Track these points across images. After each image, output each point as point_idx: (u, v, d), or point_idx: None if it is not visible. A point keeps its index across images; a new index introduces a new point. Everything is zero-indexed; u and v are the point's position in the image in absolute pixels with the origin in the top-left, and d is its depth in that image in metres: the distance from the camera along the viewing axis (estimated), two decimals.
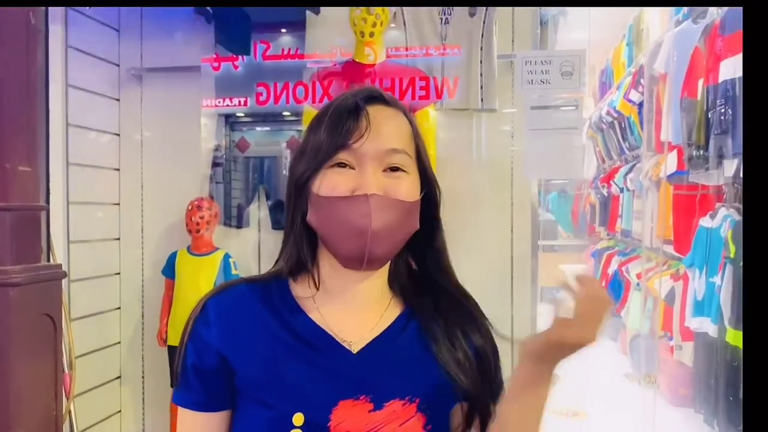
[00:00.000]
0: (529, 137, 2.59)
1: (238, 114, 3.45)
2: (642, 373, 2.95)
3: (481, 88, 2.82)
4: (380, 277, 0.97)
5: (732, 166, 2.82)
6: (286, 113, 3.40)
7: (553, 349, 0.83)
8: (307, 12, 3.19)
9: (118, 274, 3.51)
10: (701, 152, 3.03)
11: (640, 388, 3.17)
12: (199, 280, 3.09)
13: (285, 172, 3.39)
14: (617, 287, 5.27)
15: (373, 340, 0.93)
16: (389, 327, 0.95)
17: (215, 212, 3.21)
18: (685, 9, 3.50)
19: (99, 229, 3.40)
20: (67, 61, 3.12)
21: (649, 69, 3.83)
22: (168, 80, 3.46)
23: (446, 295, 0.98)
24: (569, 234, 7.45)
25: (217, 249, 3.18)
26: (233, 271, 3.12)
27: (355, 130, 0.89)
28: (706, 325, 3.08)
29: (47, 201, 2.70)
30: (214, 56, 3.35)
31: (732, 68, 2.72)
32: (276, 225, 3.39)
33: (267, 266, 1.10)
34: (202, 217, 3.13)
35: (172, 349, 3.14)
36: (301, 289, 0.96)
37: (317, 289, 0.94)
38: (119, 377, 3.52)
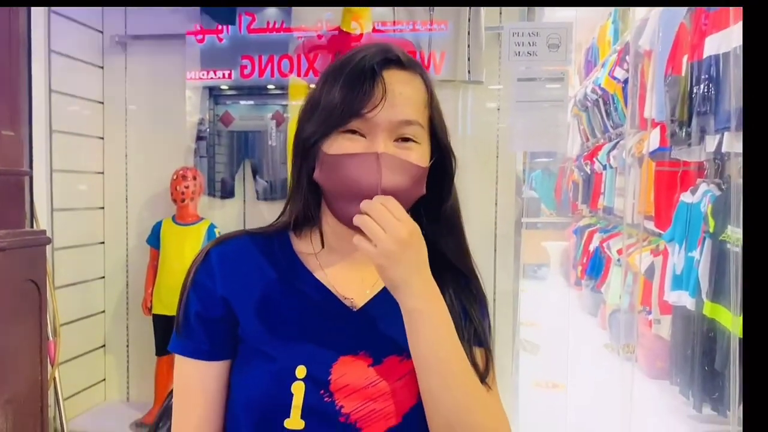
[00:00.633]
0: (515, 110, 2.60)
1: (222, 87, 3.42)
2: (621, 344, 3.00)
3: (468, 59, 2.82)
4: None
5: (714, 141, 2.86)
6: (270, 86, 3.38)
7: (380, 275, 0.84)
8: None
9: (103, 243, 3.50)
10: (684, 128, 3.06)
11: (618, 360, 3.23)
12: (184, 249, 3.09)
13: (271, 143, 3.38)
14: (598, 264, 5.34)
15: (374, 297, 0.94)
16: None
17: (200, 182, 3.20)
18: None
19: (83, 198, 3.38)
20: (49, 26, 3.07)
21: (635, 46, 3.84)
22: (152, 49, 3.42)
23: (452, 257, 0.98)
24: (552, 211, 7.51)
25: (202, 219, 3.18)
26: None
27: (370, 99, 0.87)
28: (684, 299, 3.14)
29: (30, 167, 2.68)
30: (198, 27, 3.32)
31: (717, 44, 2.74)
32: (261, 196, 3.39)
33: None
34: (187, 187, 3.12)
35: (156, 318, 3.15)
36: (303, 245, 0.96)
37: (322, 247, 0.95)
38: (104, 346, 3.53)
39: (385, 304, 0.92)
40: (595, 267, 5.39)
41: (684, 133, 3.08)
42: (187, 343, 0.92)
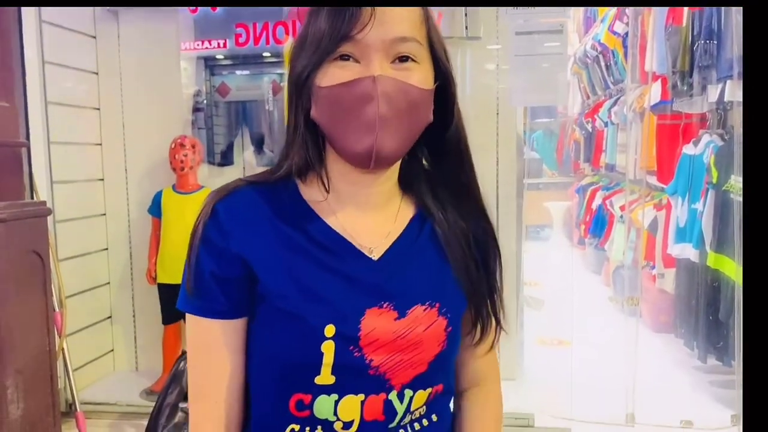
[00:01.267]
0: (514, 64, 2.56)
1: (217, 57, 3.38)
2: (625, 297, 3.02)
3: (465, 15, 2.78)
4: (391, 177, 0.92)
5: (716, 91, 2.83)
6: (266, 54, 3.34)
7: None
8: None
9: (104, 214, 3.49)
10: (686, 79, 3.03)
11: (622, 315, 3.24)
12: (185, 218, 3.08)
13: (268, 107, 3.35)
14: (601, 222, 5.33)
15: (392, 245, 0.90)
16: (405, 231, 0.92)
17: (199, 150, 3.18)
18: None
19: (82, 170, 3.37)
20: None
21: None
22: (145, 15, 3.37)
23: (463, 198, 0.94)
24: (554, 172, 7.48)
25: (202, 187, 3.17)
26: None
27: (358, 19, 0.80)
28: (688, 251, 3.14)
29: (27, 140, 2.66)
30: None
31: None
32: (261, 162, 3.37)
33: None
34: (186, 155, 3.10)
35: (161, 287, 3.16)
36: (311, 192, 0.90)
37: (327, 193, 0.89)
38: (110, 317, 3.55)
39: (404, 252, 0.90)
40: (598, 225, 5.39)
41: (686, 85, 3.05)
42: (202, 303, 0.87)
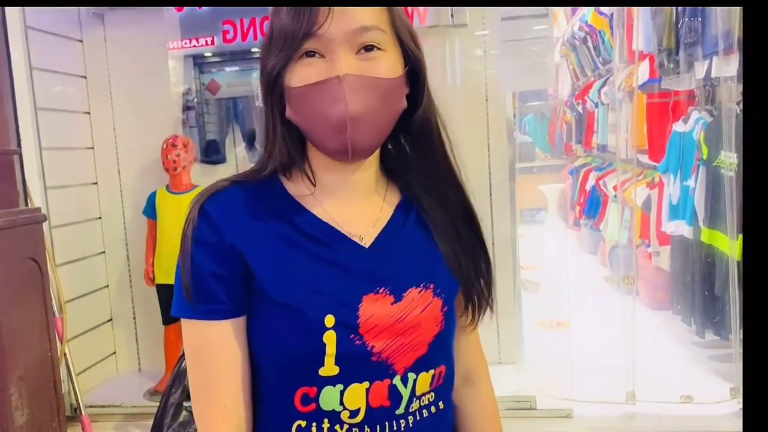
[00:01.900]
0: (501, 50, 2.57)
1: (206, 54, 3.37)
2: (621, 275, 3.04)
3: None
4: (373, 164, 0.93)
5: (703, 68, 2.84)
6: (254, 50, 3.33)
7: None
8: None
9: (99, 218, 3.50)
10: (672, 57, 3.04)
11: (619, 294, 3.27)
12: (180, 218, 3.06)
13: (259, 103, 3.35)
14: (595, 202, 5.35)
15: (382, 231, 0.91)
16: (392, 217, 0.93)
17: (191, 149, 3.18)
18: None
19: (75, 174, 3.37)
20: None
21: None
22: (131, 18, 3.36)
23: (443, 180, 0.95)
24: (547, 154, 7.50)
25: (195, 186, 3.17)
26: None
27: (317, 14, 0.81)
28: (682, 228, 3.16)
29: (19, 146, 2.66)
30: None
31: None
32: (253, 159, 3.38)
33: None
34: (178, 155, 3.10)
35: (160, 288, 3.17)
36: (296, 187, 0.91)
37: (313, 186, 0.90)
38: (110, 319, 3.56)
39: (393, 237, 0.91)
40: (592, 206, 5.41)
41: (672, 62, 3.06)
42: (206, 306, 0.85)
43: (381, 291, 0.86)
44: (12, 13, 2.86)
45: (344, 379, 0.84)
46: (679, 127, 3.26)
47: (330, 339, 0.83)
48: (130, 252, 3.50)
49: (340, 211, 0.90)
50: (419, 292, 0.88)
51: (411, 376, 0.87)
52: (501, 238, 3.11)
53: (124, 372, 3.59)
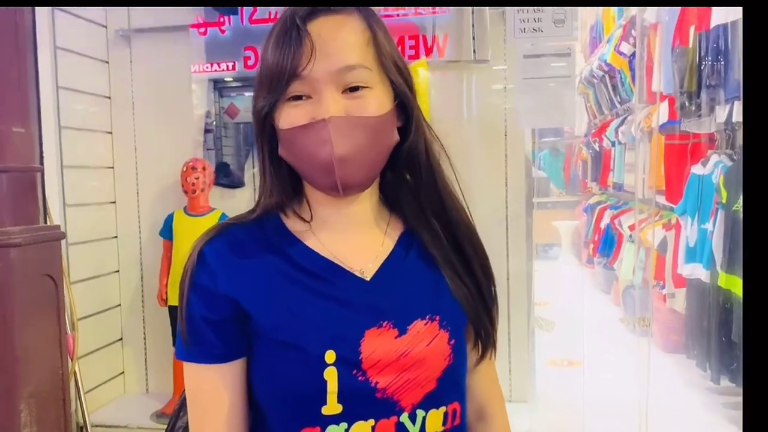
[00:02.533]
0: (522, 87, 2.58)
1: (226, 79, 3.42)
2: (636, 317, 3.00)
3: (473, 39, 2.81)
4: (371, 197, 0.92)
5: (724, 112, 2.84)
6: None
7: None
8: None
9: (116, 237, 3.52)
10: (693, 100, 3.04)
11: (633, 336, 3.23)
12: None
13: None
14: (610, 241, 5.33)
15: (383, 264, 0.90)
16: (394, 249, 0.92)
17: (210, 173, 3.21)
18: None
19: (94, 193, 3.40)
20: (54, 22, 3.08)
21: (641, 19, 3.81)
22: (157, 42, 3.42)
23: (442, 210, 0.93)
24: (561, 190, 7.49)
25: (213, 209, 3.19)
26: None
27: (300, 56, 0.80)
28: (699, 271, 3.13)
29: (41, 164, 2.69)
30: (201, 20, 3.30)
31: (724, 12, 2.71)
32: None
33: None
34: (197, 178, 3.13)
35: (172, 309, 3.17)
36: (294, 223, 0.91)
37: (311, 219, 0.90)
38: (121, 339, 3.56)
39: (395, 269, 0.90)
40: (607, 244, 5.39)
41: (693, 105, 3.06)
42: (199, 349, 0.85)
43: (384, 325, 0.84)
44: (42, 32, 2.91)
45: (348, 417, 0.82)
46: (698, 169, 3.25)
47: (331, 375, 0.81)
48: (144, 272, 3.51)
49: (339, 244, 0.89)
50: (425, 324, 0.86)
51: (420, 413, 0.84)
52: (516, 273, 3.09)
53: (131, 392, 3.57)
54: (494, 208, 3.10)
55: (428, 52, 2.92)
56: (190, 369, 0.87)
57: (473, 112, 3.15)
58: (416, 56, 2.94)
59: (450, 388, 0.87)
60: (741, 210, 2.75)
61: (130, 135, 3.48)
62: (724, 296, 2.91)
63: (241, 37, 3.30)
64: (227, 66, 3.34)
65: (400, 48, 2.88)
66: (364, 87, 0.83)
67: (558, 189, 7.54)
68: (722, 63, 2.79)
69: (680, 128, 3.44)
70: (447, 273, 0.91)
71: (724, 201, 2.90)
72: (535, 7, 2.54)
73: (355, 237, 0.91)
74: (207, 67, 3.35)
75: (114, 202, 3.51)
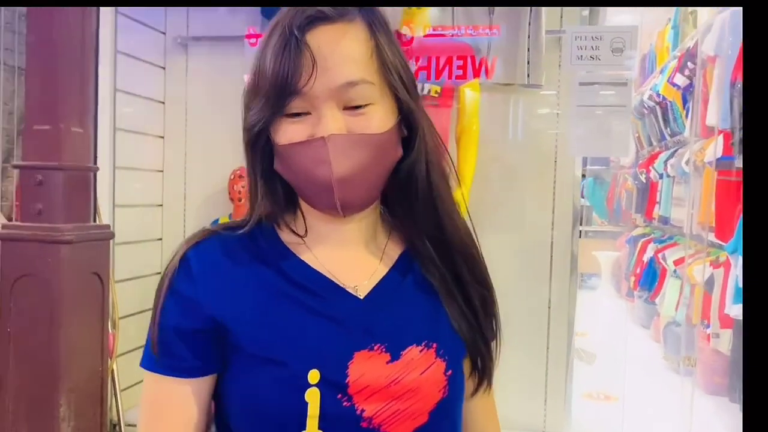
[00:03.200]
0: (576, 114, 2.56)
1: None
2: (681, 356, 2.92)
3: (528, 63, 2.79)
4: (372, 211, 0.88)
5: None
6: None
7: None
8: None
9: (160, 239, 3.57)
10: None
11: (674, 374, 3.15)
12: None
13: None
14: (652, 274, 5.21)
15: (379, 283, 0.84)
16: (391, 269, 0.87)
17: None
18: None
19: (142, 195, 3.46)
20: (116, 27, 3.16)
21: (698, 52, 3.75)
22: (212, 50, 3.48)
23: (441, 234, 0.87)
24: (604, 220, 7.37)
25: None
26: None
27: (300, 72, 0.76)
28: None
29: (95, 164, 2.75)
30: (254, 31, 3.35)
31: None
32: None
33: None
34: (243, 186, 3.16)
35: None
36: (288, 235, 0.86)
37: (305, 234, 0.85)
38: None
39: (392, 290, 0.85)
40: (649, 278, 5.27)
41: None
42: (168, 361, 0.80)
43: (376, 348, 0.79)
44: (105, 36, 2.99)
45: None
46: None
47: (313, 397, 0.75)
48: None
49: (333, 259, 0.85)
50: (420, 350, 0.80)
51: None
52: (557, 301, 3.03)
53: None
54: (539, 234, 3.06)
55: (476, 73, 2.90)
56: (153, 379, 0.83)
57: (522, 135, 3.12)
58: (464, 76, 2.93)
59: (443, 423, 0.81)
60: None
61: (181, 140, 3.53)
62: None
63: None
64: None
65: (447, 68, 2.90)
66: (366, 104, 0.79)
67: (600, 218, 7.43)
68: None
69: (734, 165, 3.36)
70: (445, 301, 0.86)
71: None
72: (594, 34, 2.51)
73: (350, 252, 0.86)
74: None
75: (161, 205, 3.56)
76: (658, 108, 5.26)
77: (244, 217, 0.87)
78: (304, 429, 0.75)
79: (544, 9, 2.80)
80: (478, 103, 2.87)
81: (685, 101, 4.58)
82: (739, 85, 3.10)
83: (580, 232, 3.22)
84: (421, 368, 0.79)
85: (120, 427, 2.78)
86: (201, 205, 3.51)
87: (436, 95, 2.78)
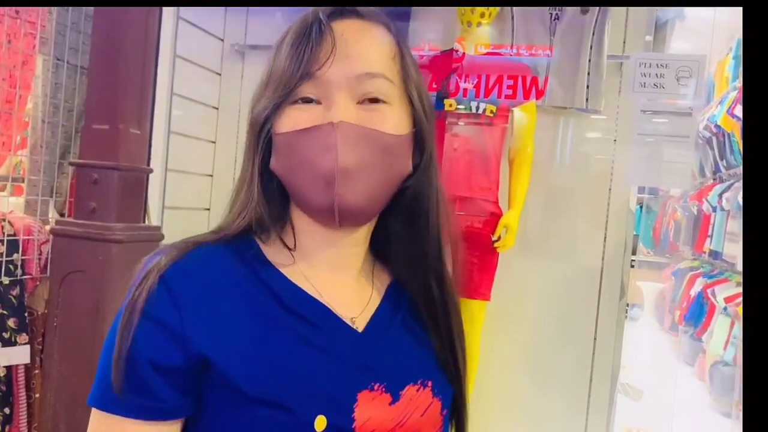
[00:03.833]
0: (636, 143, 2.49)
1: None
2: (733, 400, 2.81)
3: (588, 87, 2.73)
4: (365, 239, 0.81)
5: None
6: None
7: None
8: None
9: None
10: None
11: (722, 416, 3.02)
12: None
13: None
14: (699, 310, 5.05)
15: (373, 317, 0.78)
16: (382, 303, 0.81)
17: None
18: None
19: (191, 198, 3.49)
20: (177, 32, 3.21)
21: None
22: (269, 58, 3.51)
23: (439, 271, 0.81)
24: (649, 250, 7.20)
25: None
26: None
27: (318, 53, 0.71)
28: None
29: (148, 165, 2.79)
30: None
31: None
32: None
33: None
34: None
35: None
36: (275, 254, 0.77)
37: (293, 249, 0.77)
38: None
39: (386, 322, 0.79)
40: (695, 313, 5.11)
41: None
42: (138, 401, 0.67)
43: (377, 387, 0.72)
44: (165, 41, 3.04)
45: None
46: None
47: None
48: None
49: (328, 287, 0.77)
50: (417, 390, 0.75)
51: None
52: (604, 333, 2.95)
53: None
54: (589, 264, 2.98)
55: (526, 94, 2.84)
56: (108, 422, 0.68)
57: (576, 160, 3.05)
58: (513, 96, 2.87)
59: None
60: None
61: (232, 146, 3.56)
62: None
63: None
64: None
65: (497, 87, 2.85)
66: (383, 101, 0.74)
67: (645, 248, 7.26)
68: None
69: None
70: (434, 341, 0.81)
71: None
72: (659, 61, 2.45)
73: (344, 280, 0.80)
74: None
75: (208, 209, 3.59)
76: (714, 139, 5.12)
77: (219, 225, 0.78)
78: None
79: (606, 33, 2.75)
80: (534, 125, 2.82)
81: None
82: None
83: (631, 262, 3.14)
84: (421, 409, 0.75)
85: None
86: None
87: (492, 115, 2.74)
